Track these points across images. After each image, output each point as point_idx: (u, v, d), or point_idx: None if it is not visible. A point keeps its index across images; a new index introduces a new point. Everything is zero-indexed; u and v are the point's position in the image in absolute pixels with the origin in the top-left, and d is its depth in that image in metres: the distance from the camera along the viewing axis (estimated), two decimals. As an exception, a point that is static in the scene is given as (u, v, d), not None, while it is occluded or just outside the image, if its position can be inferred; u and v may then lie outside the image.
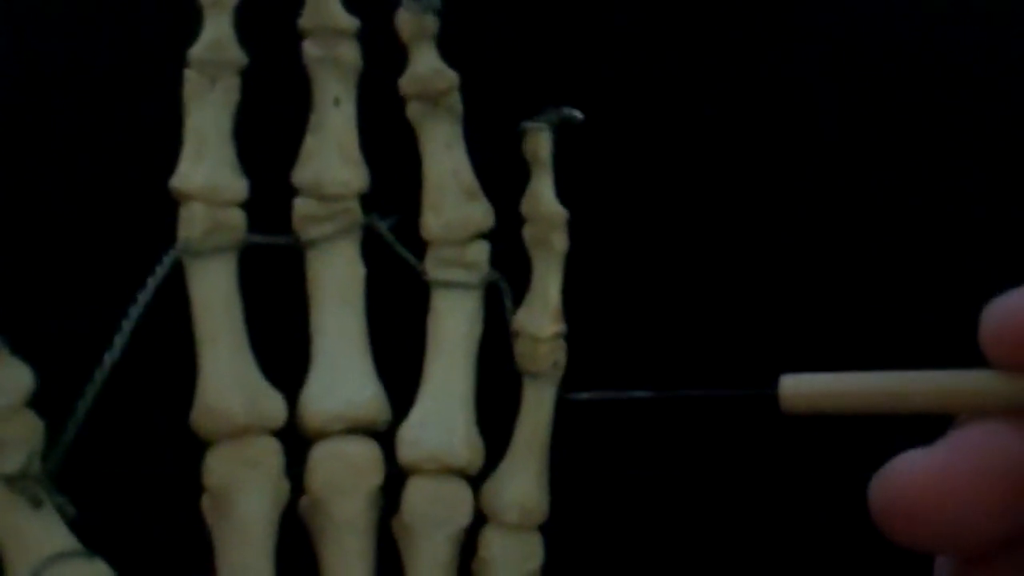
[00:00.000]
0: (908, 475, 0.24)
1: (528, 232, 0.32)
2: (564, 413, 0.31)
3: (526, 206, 0.32)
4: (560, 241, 0.31)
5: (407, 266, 0.32)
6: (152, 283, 0.30)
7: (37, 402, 0.28)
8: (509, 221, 0.32)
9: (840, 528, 0.32)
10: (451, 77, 0.32)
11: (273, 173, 0.31)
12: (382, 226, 0.32)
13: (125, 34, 0.32)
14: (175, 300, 0.30)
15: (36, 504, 0.28)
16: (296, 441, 0.30)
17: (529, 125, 0.32)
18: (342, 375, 0.31)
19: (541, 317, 0.31)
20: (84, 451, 0.29)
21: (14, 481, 0.27)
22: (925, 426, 0.26)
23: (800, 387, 0.27)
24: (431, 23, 0.31)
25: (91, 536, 0.28)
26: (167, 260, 0.30)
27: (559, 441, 0.31)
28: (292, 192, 0.31)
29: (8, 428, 0.27)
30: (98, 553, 0.28)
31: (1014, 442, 0.24)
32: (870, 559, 0.31)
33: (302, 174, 0.31)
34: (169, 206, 0.30)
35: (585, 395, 0.31)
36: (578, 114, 0.31)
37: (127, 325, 0.29)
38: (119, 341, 0.29)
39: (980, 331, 0.25)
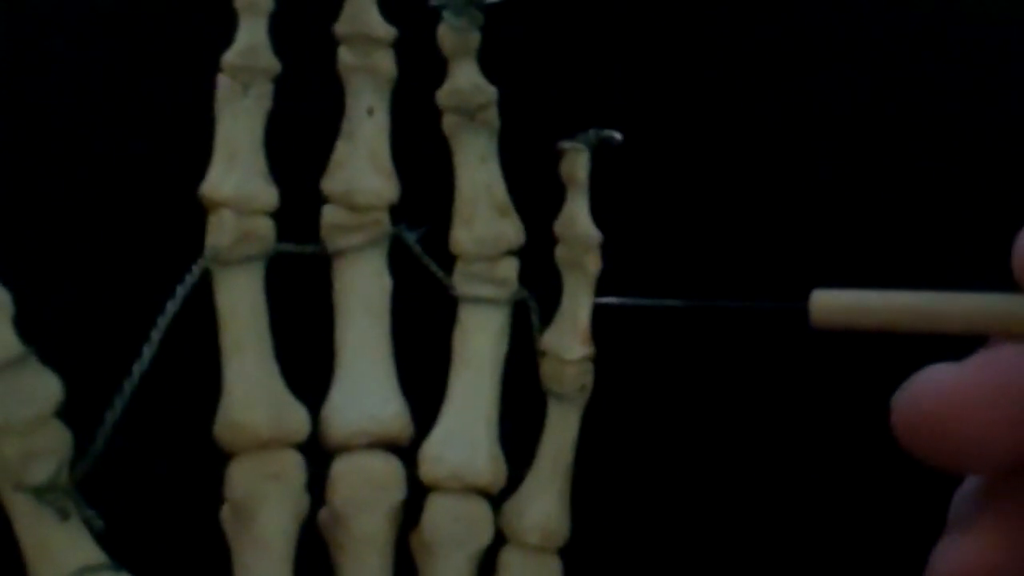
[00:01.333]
0: (933, 388, 0.24)
1: (561, 252, 0.32)
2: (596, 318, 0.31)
3: (560, 226, 0.32)
4: (593, 263, 0.31)
5: (434, 279, 0.32)
6: (181, 292, 0.30)
7: (64, 412, 0.28)
8: (539, 239, 0.32)
9: (862, 448, 0.31)
10: (490, 92, 0.31)
11: (302, 180, 0.31)
12: (410, 238, 0.32)
13: (159, 39, 0.31)
14: (200, 309, 0.30)
15: (64, 516, 0.27)
16: (317, 451, 0.30)
17: (567, 145, 0.31)
18: (366, 389, 0.31)
19: (570, 339, 0.31)
20: (107, 462, 0.28)
21: (42, 492, 0.27)
22: (954, 352, 0.25)
23: (832, 302, 0.26)
24: (473, 38, 0.31)
25: (112, 547, 0.28)
26: (196, 269, 0.30)
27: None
28: (320, 200, 0.31)
29: (36, 439, 0.27)
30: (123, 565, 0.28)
31: None
32: (891, 479, 0.31)
33: (332, 183, 0.31)
34: (197, 213, 0.30)
35: (615, 300, 0.31)
36: (617, 135, 0.31)
37: (155, 335, 0.29)
38: (147, 351, 0.29)
39: (1013, 255, 0.24)
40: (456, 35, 0.31)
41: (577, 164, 0.31)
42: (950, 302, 0.25)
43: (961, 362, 0.24)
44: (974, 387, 0.23)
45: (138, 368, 0.29)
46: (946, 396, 0.23)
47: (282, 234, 0.31)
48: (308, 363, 0.31)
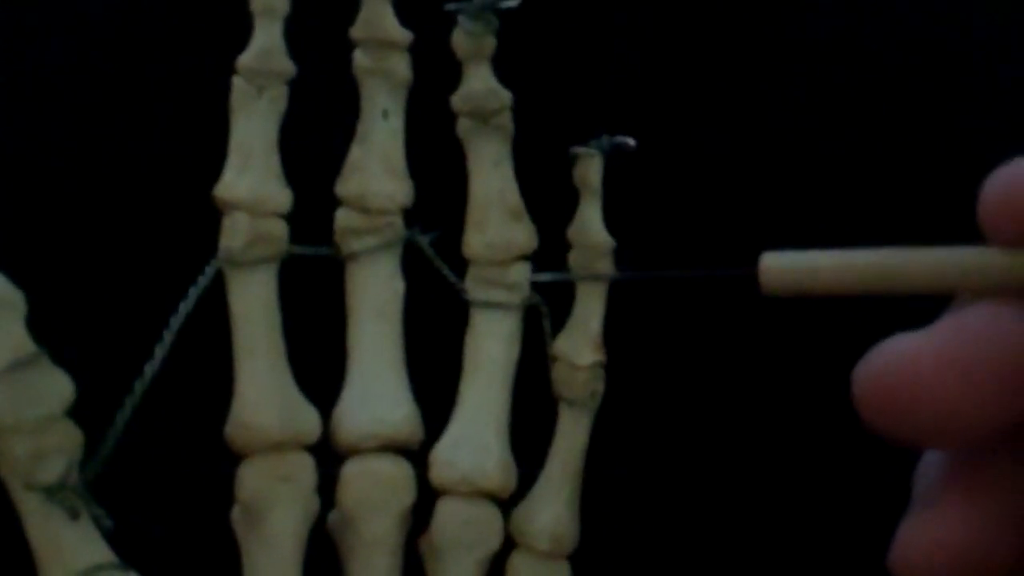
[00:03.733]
0: (896, 359, 0.22)
1: (574, 258, 0.32)
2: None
3: (573, 232, 0.32)
4: (606, 269, 0.31)
5: (447, 283, 0.32)
6: (194, 293, 0.30)
7: (75, 412, 0.28)
8: (551, 244, 0.32)
9: (824, 423, 0.31)
10: (504, 97, 0.31)
11: (316, 183, 0.31)
12: (423, 241, 0.32)
13: (175, 41, 0.31)
14: (211, 310, 0.30)
15: (73, 515, 0.28)
16: (328, 453, 0.30)
17: (580, 151, 0.31)
18: (377, 392, 0.31)
19: (581, 345, 0.31)
20: (117, 461, 0.29)
21: (52, 492, 0.27)
22: (918, 316, 0.23)
23: (782, 265, 0.24)
24: (488, 43, 0.31)
25: (122, 546, 0.28)
26: (209, 270, 0.30)
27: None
28: (334, 202, 0.31)
29: (47, 438, 0.27)
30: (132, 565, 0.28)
31: (1013, 325, 0.22)
32: (854, 453, 0.30)
33: (346, 186, 0.31)
34: (210, 215, 0.30)
35: (549, 276, 0.31)
36: (630, 142, 0.31)
37: (168, 336, 0.29)
38: (160, 352, 0.29)
39: (979, 204, 0.23)
40: (471, 40, 0.31)
41: (590, 170, 0.31)
42: (910, 258, 0.23)
43: (924, 330, 0.22)
44: (938, 358, 0.21)
45: (150, 368, 0.29)
46: (909, 369, 0.22)
47: (295, 236, 0.31)
48: (320, 365, 0.31)
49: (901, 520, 0.23)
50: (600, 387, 0.31)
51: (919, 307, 0.23)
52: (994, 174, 0.23)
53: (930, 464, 0.24)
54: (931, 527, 0.22)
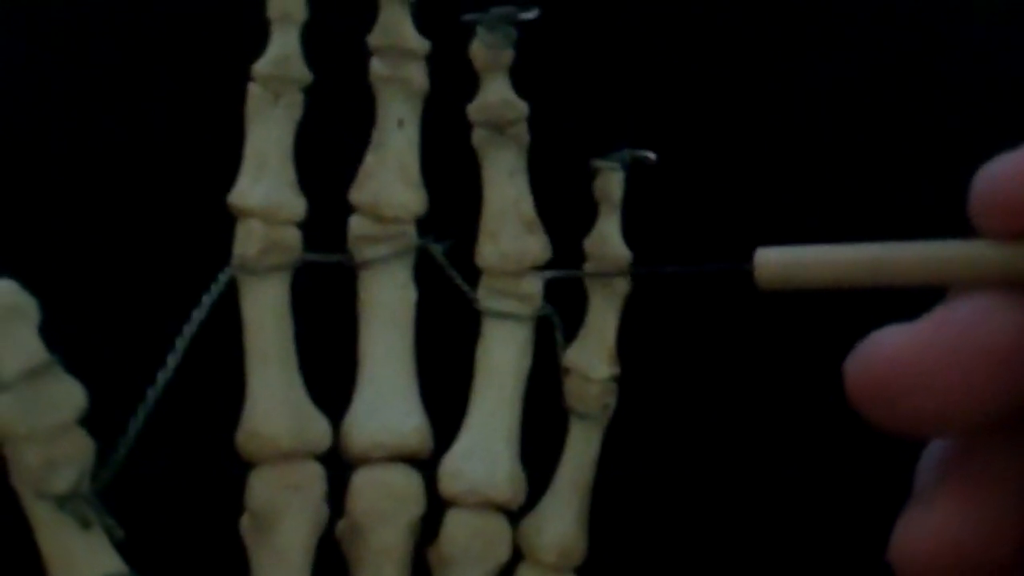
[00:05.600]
0: (889, 350, 0.22)
1: (590, 270, 0.31)
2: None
3: (591, 244, 0.31)
4: (622, 283, 0.31)
5: (459, 293, 0.32)
6: (207, 301, 0.29)
7: (86, 420, 0.28)
8: (563, 255, 0.32)
9: (820, 416, 0.31)
10: (521, 108, 0.31)
11: (328, 189, 0.31)
12: (437, 250, 0.32)
13: (191, 46, 0.31)
14: (221, 317, 0.30)
15: (85, 525, 0.28)
16: (337, 461, 0.30)
17: (601, 164, 0.31)
18: (387, 401, 0.31)
19: (595, 357, 0.31)
20: (127, 469, 0.28)
21: (64, 501, 0.27)
22: (912, 309, 0.23)
23: (777, 259, 0.24)
24: (507, 54, 0.31)
25: (132, 556, 0.28)
26: (222, 278, 0.30)
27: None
28: (346, 209, 0.31)
29: (59, 447, 0.27)
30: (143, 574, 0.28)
31: (1005, 316, 0.22)
32: (851, 446, 0.30)
33: (360, 193, 0.31)
34: (219, 221, 0.30)
35: (555, 273, 0.31)
36: (651, 155, 0.31)
37: (180, 343, 0.29)
38: (172, 360, 0.29)
39: (970, 199, 0.23)
40: (489, 51, 0.31)
41: (611, 183, 0.31)
42: (902, 252, 0.24)
43: (915, 322, 0.22)
44: (929, 348, 0.22)
45: (162, 376, 0.29)
46: (900, 360, 0.22)
47: (307, 243, 0.31)
48: (330, 373, 0.30)
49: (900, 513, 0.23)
50: (613, 400, 0.31)
51: (914, 302, 0.23)
52: (983, 168, 0.22)
53: (931, 458, 0.24)
54: (930, 520, 0.22)
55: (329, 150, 0.31)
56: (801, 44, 0.33)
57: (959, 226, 0.23)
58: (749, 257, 0.24)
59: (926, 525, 0.23)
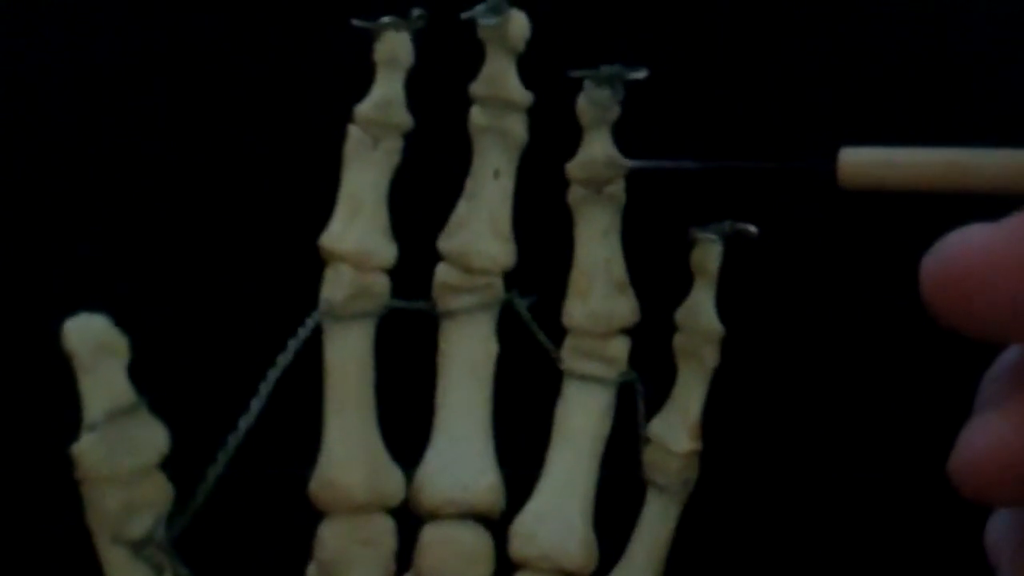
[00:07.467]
0: (964, 249, 0.21)
1: (680, 341, 0.31)
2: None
3: (682, 315, 0.31)
4: (712, 357, 0.31)
5: (542, 350, 0.31)
6: (293, 346, 0.29)
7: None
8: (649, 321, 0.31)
9: (895, 317, 0.30)
10: (622, 167, 0.30)
11: (417, 234, 0.30)
12: (521, 305, 0.31)
13: (287, 86, 0.30)
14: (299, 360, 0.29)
15: (159, 572, 0.27)
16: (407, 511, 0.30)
17: (700, 235, 0.30)
18: (461, 457, 0.30)
19: (679, 430, 0.31)
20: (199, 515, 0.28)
21: (140, 547, 0.26)
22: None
23: (861, 159, 0.24)
24: (612, 112, 0.30)
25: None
26: (309, 322, 0.29)
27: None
28: (434, 257, 0.30)
29: (139, 491, 0.27)
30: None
31: None
32: (919, 351, 0.30)
33: (449, 242, 0.30)
34: (304, 265, 0.29)
35: (636, 163, 0.30)
36: (752, 228, 0.30)
37: (264, 388, 0.28)
38: (256, 405, 0.28)
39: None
40: (595, 107, 0.30)
41: (709, 255, 0.30)
42: (986, 158, 0.24)
43: (996, 222, 0.22)
44: (1008, 248, 0.21)
45: (244, 422, 0.28)
46: (978, 258, 0.21)
47: (392, 288, 0.30)
48: (406, 421, 0.30)
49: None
50: (694, 475, 0.31)
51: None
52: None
53: (997, 370, 0.23)
54: (997, 428, 0.22)
55: (421, 195, 0.30)
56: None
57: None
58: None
59: (993, 433, 0.22)
